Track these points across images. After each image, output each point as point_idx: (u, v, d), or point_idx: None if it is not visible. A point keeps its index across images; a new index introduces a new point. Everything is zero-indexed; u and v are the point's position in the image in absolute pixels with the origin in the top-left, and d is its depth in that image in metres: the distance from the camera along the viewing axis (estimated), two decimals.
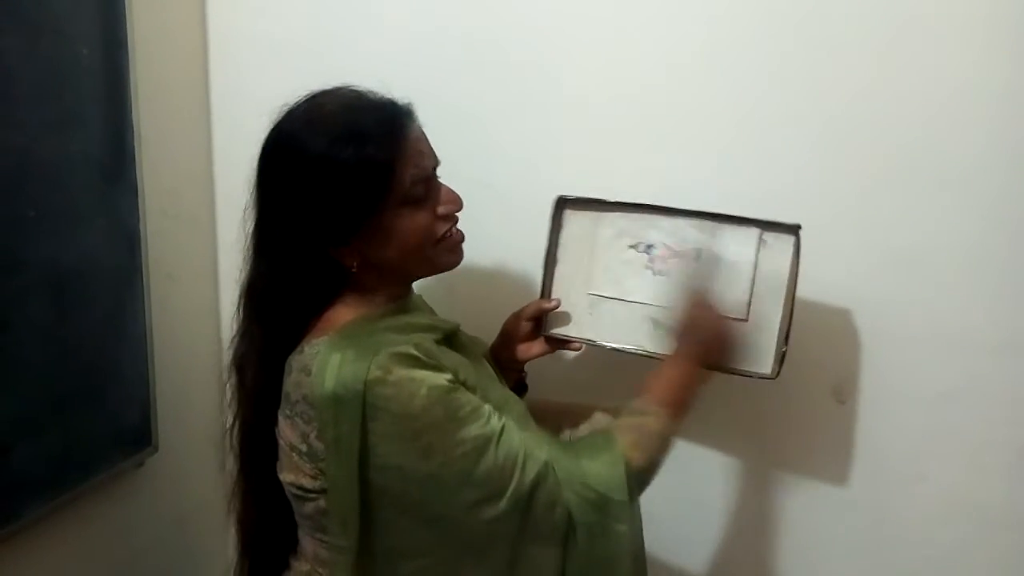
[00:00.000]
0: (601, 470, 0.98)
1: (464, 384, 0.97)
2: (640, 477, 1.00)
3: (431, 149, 1.03)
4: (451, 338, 1.11)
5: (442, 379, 0.93)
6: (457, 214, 1.05)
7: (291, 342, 1.01)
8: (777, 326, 1.12)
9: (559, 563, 0.97)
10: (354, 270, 1.00)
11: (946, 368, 1.30)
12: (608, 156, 1.37)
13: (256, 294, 1.03)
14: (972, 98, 1.23)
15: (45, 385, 1.14)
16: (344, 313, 1.01)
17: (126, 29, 1.25)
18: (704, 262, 1.17)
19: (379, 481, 0.93)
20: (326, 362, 0.92)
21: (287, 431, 0.98)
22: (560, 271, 1.26)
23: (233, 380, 1.09)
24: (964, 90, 1.23)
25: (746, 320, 1.15)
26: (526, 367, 1.29)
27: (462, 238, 1.06)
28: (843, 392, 1.34)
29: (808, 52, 1.27)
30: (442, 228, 1.02)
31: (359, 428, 0.90)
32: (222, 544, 1.60)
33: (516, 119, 1.39)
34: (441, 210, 1.02)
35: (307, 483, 0.97)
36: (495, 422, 0.95)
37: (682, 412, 1.06)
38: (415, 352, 0.93)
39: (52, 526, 1.18)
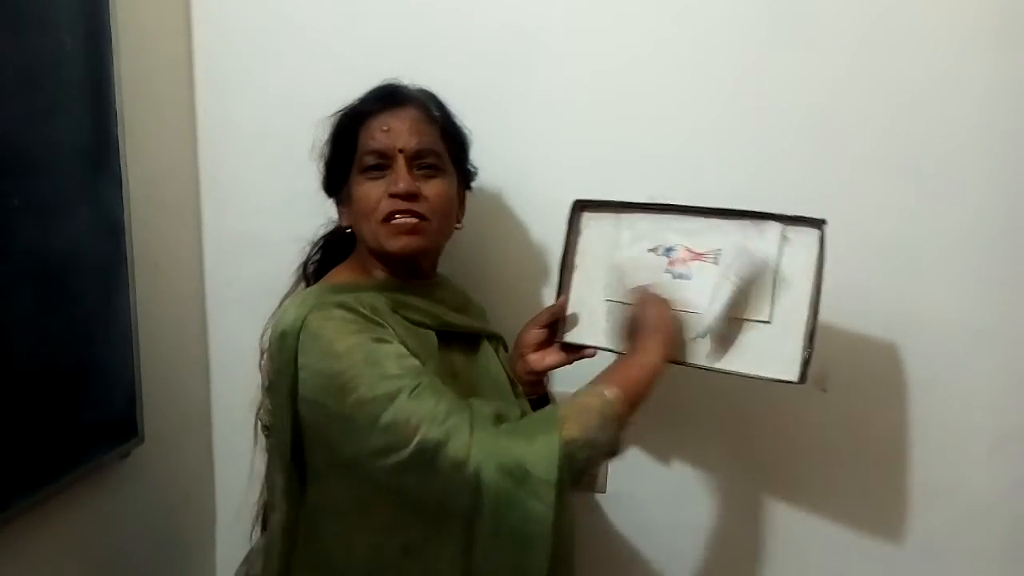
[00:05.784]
0: (529, 443, 0.94)
1: (407, 349, 1.01)
2: (571, 451, 0.94)
3: (413, 134, 1.08)
4: (463, 338, 1.16)
5: (376, 331, 0.99)
6: (417, 207, 1.07)
7: None
8: (803, 328, 1.04)
9: (467, 533, 0.95)
10: (347, 230, 1.14)
11: (926, 356, 1.32)
12: (603, 156, 1.37)
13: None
14: (956, 91, 1.24)
15: (30, 376, 1.13)
16: (341, 274, 1.12)
17: (110, 18, 1.23)
18: (740, 262, 1.08)
19: (308, 416, 0.99)
20: (290, 306, 1.02)
21: (263, 371, 1.08)
22: (577, 277, 1.22)
23: None
24: (948, 83, 1.24)
25: (769, 322, 1.08)
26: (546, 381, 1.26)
27: (409, 228, 1.07)
28: (825, 380, 1.35)
29: (793, 44, 1.28)
30: (388, 207, 1.06)
31: (293, 360, 0.98)
32: (208, 535, 1.60)
33: (524, 121, 1.38)
34: (391, 189, 1.06)
35: (266, 419, 1.07)
36: (413, 377, 0.96)
37: (633, 398, 1.00)
38: (358, 306, 1.00)
39: (38, 517, 1.17)
